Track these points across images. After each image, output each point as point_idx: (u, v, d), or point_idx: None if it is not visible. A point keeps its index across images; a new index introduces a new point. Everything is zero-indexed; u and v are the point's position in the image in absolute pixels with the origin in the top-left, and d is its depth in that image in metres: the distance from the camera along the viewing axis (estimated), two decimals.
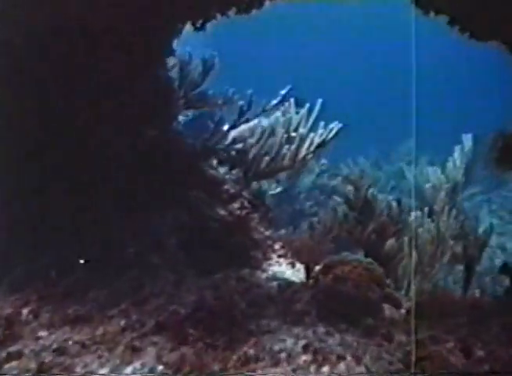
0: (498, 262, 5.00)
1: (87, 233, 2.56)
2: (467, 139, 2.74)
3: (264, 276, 2.76)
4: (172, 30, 2.50)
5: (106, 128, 2.67)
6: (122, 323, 1.96)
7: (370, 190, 2.92)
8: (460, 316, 1.86)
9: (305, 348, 1.76)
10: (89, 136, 2.66)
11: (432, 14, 1.77)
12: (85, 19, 2.36)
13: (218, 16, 2.12)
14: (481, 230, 2.63)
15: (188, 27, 2.50)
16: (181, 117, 3.54)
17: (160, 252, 2.57)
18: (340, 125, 3.20)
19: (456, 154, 2.75)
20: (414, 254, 2.63)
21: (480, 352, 1.63)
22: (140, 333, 1.89)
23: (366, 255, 2.79)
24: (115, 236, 2.58)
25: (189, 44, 3.12)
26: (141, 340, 1.85)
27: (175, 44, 2.68)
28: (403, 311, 2.32)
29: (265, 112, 3.47)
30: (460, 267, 3.37)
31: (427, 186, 2.87)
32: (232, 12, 2.09)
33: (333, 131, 3.22)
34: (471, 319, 1.83)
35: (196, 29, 2.27)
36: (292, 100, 3.27)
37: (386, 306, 2.26)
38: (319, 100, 3.26)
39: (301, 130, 3.22)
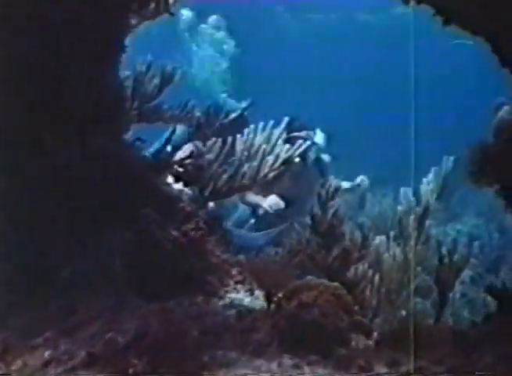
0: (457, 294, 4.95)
1: (16, 252, 2.24)
2: (447, 160, 2.54)
3: (220, 303, 2.50)
4: (124, 25, 2.27)
5: (45, 134, 2.38)
6: (46, 354, 1.62)
7: (339, 211, 2.72)
8: (444, 344, 1.65)
9: None
10: (27, 143, 2.38)
11: (413, 2, 1.64)
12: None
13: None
14: (456, 257, 2.46)
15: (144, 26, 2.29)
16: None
17: (101, 275, 2.25)
18: (309, 143, 3.00)
19: (431, 176, 2.56)
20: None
21: None
22: (67, 366, 1.56)
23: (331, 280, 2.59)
24: (50, 255, 2.26)
25: (147, 50, 2.89)
26: (68, 375, 1.52)
27: (127, 42, 2.44)
28: (373, 340, 2.12)
29: (222, 126, 3.26)
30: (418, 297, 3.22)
31: (399, 208, 2.68)
32: None
33: (300, 150, 3.02)
34: (457, 348, 1.63)
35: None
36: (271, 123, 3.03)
37: (357, 335, 2.03)
38: (285, 119, 3.09)
39: (264, 146, 3.02)
